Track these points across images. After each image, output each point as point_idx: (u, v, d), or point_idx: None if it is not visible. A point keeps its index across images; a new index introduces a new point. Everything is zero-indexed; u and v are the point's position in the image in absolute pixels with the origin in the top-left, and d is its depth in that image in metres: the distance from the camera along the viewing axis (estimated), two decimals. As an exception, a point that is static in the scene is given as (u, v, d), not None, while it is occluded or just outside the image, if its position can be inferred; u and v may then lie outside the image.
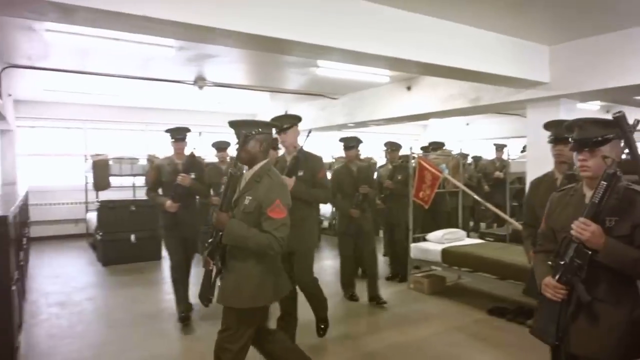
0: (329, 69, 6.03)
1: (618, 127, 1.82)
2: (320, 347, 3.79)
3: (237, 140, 2.51)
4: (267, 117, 10.04)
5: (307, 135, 3.70)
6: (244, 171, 2.60)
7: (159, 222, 5.14)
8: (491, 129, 11.85)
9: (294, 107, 9.49)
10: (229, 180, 2.48)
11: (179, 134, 4.35)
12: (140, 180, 7.89)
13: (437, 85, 6.33)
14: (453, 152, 7.50)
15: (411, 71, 5.22)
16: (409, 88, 6.84)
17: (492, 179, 8.06)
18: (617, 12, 4.08)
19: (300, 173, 3.53)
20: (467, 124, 12.41)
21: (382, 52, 3.87)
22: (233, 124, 2.56)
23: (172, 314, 4.48)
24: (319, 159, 3.76)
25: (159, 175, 4.34)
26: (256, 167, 2.53)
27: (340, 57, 4.12)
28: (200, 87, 6.94)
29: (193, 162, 4.45)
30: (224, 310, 2.57)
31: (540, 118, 3.59)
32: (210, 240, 2.56)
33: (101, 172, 7.10)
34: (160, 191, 4.39)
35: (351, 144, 5.10)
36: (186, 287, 4.40)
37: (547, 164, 2.98)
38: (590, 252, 1.81)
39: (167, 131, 4.41)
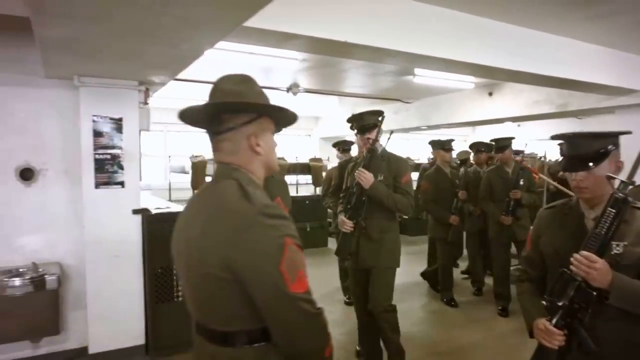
0: (423, 77, 6.52)
1: (612, 137, 1.64)
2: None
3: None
4: (334, 121, 10.66)
5: (389, 137, 3.42)
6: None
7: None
8: (543, 131, 12.20)
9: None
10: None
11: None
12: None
13: (521, 91, 6.77)
14: (538, 155, 7.92)
15: (501, 78, 5.58)
16: (490, 94, 7.28)
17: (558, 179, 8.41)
18: None
19: (380, 177, 3.11)
20: (519, 125, 12.77)
21: (477, 61, 4.20)
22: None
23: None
24: (405, 161, 3.34)
25: None
26: None
27: (434, 65, 4.38)
28: (295, 94, 7.46)
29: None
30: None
31: (628, 123, 4.06)
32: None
33: (200, 172, 7.65)
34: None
35: (505, 143, 4.77)
36: None
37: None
38: (595, 293, 1.52)
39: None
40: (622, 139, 1.68)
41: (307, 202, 8.55)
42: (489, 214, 4.86)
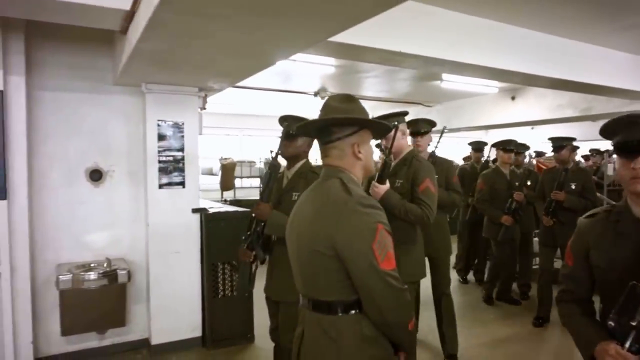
0: (451, 82, 6.75)
1: None
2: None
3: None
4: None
5: (442, 134, 3.46)
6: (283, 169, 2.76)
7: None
8: (557, 133, 12.40)
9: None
10: (271, 172, 2.63)
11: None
12: (257, 182, 8.70)
13: (544, 96, 6.99)
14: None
15: (526, 83, 5.80)
16: (513, 98, 7.50)
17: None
18: None
19: (398, 184, 2.90)
20: (532, 128, 12.99)
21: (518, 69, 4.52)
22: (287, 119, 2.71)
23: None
24: (425, 166, 2.95)
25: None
26: (298, 165, 2.69)
27: (465, 71, 4.65)
28: (322, 98, 7.70)
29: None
30: (281, 307, 2.66)
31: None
32: (248, 232, 2.68)
33: (229, 174, 7.90)
34: None
35: (562, 143, 4.48)
36: None
37: None
38: None
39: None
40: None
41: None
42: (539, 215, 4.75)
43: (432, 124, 3.46)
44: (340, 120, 1.57)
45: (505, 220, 4.79)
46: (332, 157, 1.59)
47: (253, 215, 2.68)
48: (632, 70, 5.40)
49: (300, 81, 7.16)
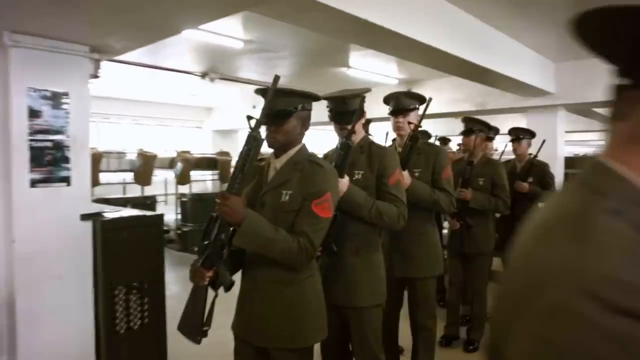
0: (357, 70, 6.36)
1: None
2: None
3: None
4: (230, 112, 9.98)
5: (426, 106, 2.74)
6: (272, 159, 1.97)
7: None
8: (436, 129, 13.09)
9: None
10: (249, 149, 1.75)
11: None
12: (130, 176, 7.29)
13: (440, 90, 7.04)
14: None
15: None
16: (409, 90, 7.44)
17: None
18: None
19: (358, 176, 2.31)
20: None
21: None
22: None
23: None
24: (389, 154, 2.37)
25: None
26: (292, 152, 1.90)
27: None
28: (212, 80, 6.70)
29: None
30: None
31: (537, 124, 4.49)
32: (205, 242, 1.78)
33: (93, 167, 6.41)
34: None
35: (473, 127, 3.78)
36: None
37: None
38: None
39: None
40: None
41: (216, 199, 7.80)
42: None
43: (421, 98, 2.75)
44: None
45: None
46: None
47: (214, 215, 1.80)
48: (534, 68, 5.60)
49: (178, 59, 6.03)
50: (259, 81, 7.24)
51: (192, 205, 7.52)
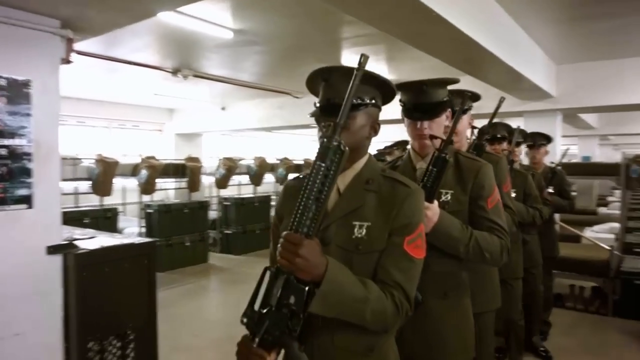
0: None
1: None
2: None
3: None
4: (194, 114, 9.21)
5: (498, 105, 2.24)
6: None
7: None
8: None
9: (234, 104, 8.89)
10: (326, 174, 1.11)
11: None
12: (85, 186, 6.36)
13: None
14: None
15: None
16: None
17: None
18: (611, 44, 4.95)
19: (446, 197, 1.77)
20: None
21: None
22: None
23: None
24: (500, 161, 2.10)
25: None
26: (359, 165, 1.33)
27: None
28: (185, 77, 5.92)
29: None
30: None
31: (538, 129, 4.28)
32: (263, 310, 1.13)
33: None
34: None
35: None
36: None
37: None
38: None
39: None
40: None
41: (185, 210, 7.02)
42: None
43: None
44: None
45: None
46: None
47: (272, 269, 1.15)
48: (542, 68, 5.26)
49: (142, 54, 5.20)
50: (234, 79, 6.55)
51: (160, 217, 6.69)
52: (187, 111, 9.69)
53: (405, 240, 1.24)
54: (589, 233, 5.74)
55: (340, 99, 1.20)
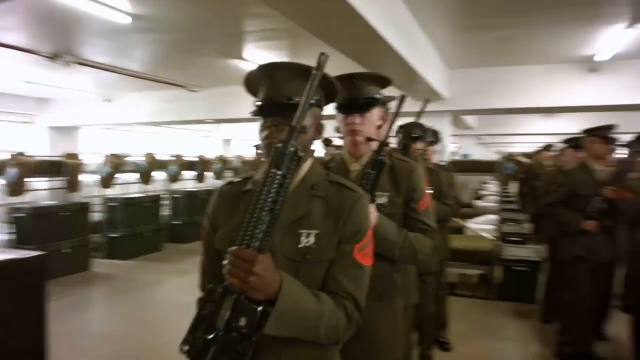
0: (252, 64, 5.61)
1: None
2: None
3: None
4: (71, 105, 8.31)
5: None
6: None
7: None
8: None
9: (120, 96, 8.21)
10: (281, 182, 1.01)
11: None
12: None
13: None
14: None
15: None
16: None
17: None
18: (499, 52, 5.46)
19: (383, 199, 1.74)
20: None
21: None
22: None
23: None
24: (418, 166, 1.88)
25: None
26: (304, 169, 1.25)
27: None
28: (67, 63, 5.25)
29: None
30: None
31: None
32: (209, 336, 1.01)
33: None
34: None
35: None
36: None
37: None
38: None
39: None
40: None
41: (63, 213, 6.26)
42: None
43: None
44: None
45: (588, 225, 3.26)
46: None
47: (219, 288, 1.03)
48: (438, 71, 5.59)
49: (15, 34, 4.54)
50: (123, 69, 6.00)
51: (33, 221, 5.89)
52: (64, 102, 8.68)
53: (355, 248, 1.19)
54: (472, 225, 6.24)
55: (284, 97, 1.14)
